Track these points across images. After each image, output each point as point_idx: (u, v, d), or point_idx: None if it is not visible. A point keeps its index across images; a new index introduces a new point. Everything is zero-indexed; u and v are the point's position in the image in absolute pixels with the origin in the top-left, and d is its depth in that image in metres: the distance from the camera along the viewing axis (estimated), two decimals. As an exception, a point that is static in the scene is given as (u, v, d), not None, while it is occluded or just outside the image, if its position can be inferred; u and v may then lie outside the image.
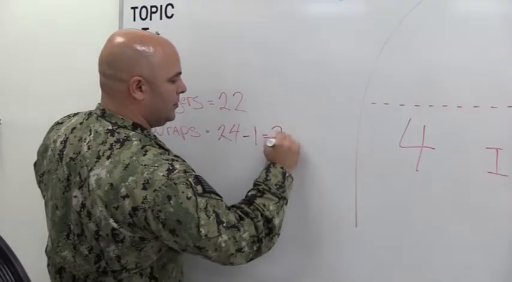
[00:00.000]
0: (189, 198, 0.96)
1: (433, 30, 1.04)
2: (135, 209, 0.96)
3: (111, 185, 0.98)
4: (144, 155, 1.00)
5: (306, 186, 1.25)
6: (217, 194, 1.05)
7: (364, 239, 1.17)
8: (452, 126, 1.04)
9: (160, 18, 1.42)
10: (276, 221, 1.10)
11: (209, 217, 0.98)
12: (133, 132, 1.05)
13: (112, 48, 1.06)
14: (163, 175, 0.96)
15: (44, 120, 1.31)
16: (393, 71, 1.10)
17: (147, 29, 1.43)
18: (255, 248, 1.06)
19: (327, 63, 1.18)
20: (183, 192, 0.96)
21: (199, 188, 0.99)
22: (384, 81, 1.11)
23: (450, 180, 1.05)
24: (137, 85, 1.04)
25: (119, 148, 1.01)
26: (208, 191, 1.01)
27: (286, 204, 1.17)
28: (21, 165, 1.56)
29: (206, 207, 0.98)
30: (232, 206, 1.12)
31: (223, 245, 1.00)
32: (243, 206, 1.11)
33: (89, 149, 1.04)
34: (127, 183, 0.96)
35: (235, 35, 1.31)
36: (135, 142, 1.03)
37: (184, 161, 1.06)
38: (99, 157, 1.02)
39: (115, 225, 0.99)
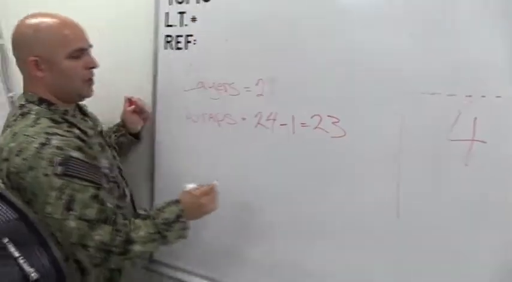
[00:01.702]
0: (45, 175, 1.00)
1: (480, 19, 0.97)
2: (9, 172, 1.04)
3: (1, 149, 1.07)
4: (33, 127, 1.07)
5: (349, 177, 1.20)
6: (92, 182, 1.06)
7: (405, 230, 1.12)
8: (506, 119, 0.97)
9: (197, 2, 1.39)
10: (136, 248, 1.07)
11: (58, 199, 1.01)
12: (37, 107, 1.13)
13: (14, 32, 1.13)
14: (35, 147, 1.02)
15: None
16: (439, 61, 1.03)
17: (184, 12, 1.41)
18: (101, 255, 1.04)
19: (370, 50, 1.12)
20: (43, 168, 1.00)
21: (59, 169, 1.01)
22: (430, 70, 1.05)
23: (502, 177, 0.98)
24: (35, 64, 1.11)
25: (20, 120, 1.10)
26: (71, 175, 1.02)
27: (163, 242, 1.14)
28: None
29: (62, 188, 1.01)
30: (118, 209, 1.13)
31: (67, 229, 1.01)
32: (120, 215, 1.10)
33: (7, 121, 1.15)
34: (7, 148, 1.05)
35: (273, 20, 1.26)
36: (32, 115, 1.10)
37: (81, 138, 1.11)
38: (6, 128, 1.12)
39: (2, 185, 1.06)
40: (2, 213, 0.77)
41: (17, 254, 0.70)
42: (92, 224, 1.03)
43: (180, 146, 1.50)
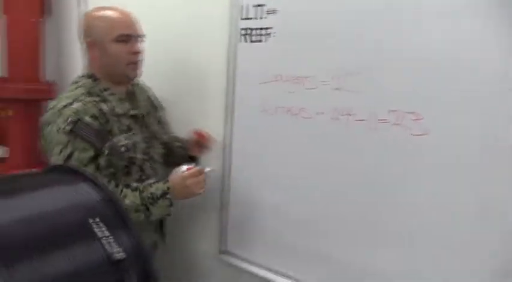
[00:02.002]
0: (57, 130, 1.22)
1: None
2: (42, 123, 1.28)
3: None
4: (70, 92, 1.31)
5: (430, 178, 1.13)
6: (93, 146, 1.23)
7: (492, 233, 1.04)
8: None
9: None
10: None
11: (60, 153, 1.21)
12: (85, 80, 1.36)
13: (80, 21, 1.40)
14: (60, 106, 1.25)
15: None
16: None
17: (262, 5, 1.41)
18: None
19: (456, 44, 1.05)
20: (57, 124, 1.22)
21: (68, 127, 1.21)
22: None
23: None
24: (90, 46, 1.36)
25: (69, 87, 1.36)
26: (76, 134, 1.22)
27: (146, 215, 1.28)
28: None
29: (65, 144, 1.21)
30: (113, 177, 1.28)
31: None
32: (113, 182, 1.26)
33: None
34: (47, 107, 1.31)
35: (353, 14, 1.22)
36: (75, 85, 1.35)
37: (103, 112, 1.29)
38: None
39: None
40: (89, 194, 0.81)
41: (101, 234, 0.74)
42: None
43: (255, 137, 1.51)
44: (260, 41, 1.45)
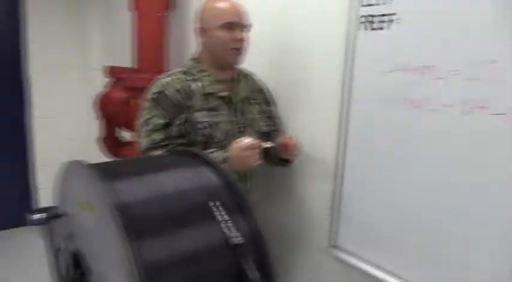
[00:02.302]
0: (146, 98, 1.46)
1: None
2: None
3: None
4: (175, 69, 1.53)
5: None
6: (167, 114, 1.41)
7: None
8: None
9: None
10: None
11: (142, 116, 1.45)
12: (189, 61, 1.57)
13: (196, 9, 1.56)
14: (158, 79, 1.49)
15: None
16: None
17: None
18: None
19: None
20: (148, 93, 1.47)
21: (151, 96, 1.44)
22: None
23: None
24: (200, 31, 1.51)
25: None
26: (156, 102, 1.43)
27: None
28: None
29: (147, 110, 1.44)
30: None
31: (138, 141, 1.47)
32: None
33: None
34: None
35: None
36: (181, 66, 1.56)
37: (190, 89, 1.46)
38: None
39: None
40: (210, 178, 0.84)
41: (221, 218, 0.76)
42: (152, 145, 1.39)
43: (373, 129, 1.44)
44: (381, 28, 1.37)
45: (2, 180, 3.25)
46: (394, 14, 1.32)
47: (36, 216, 0.87)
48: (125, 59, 2.53)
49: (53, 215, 0.89)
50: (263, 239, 0.77)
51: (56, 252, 0.89)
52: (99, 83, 2.70)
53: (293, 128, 1.75)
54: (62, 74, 3.31)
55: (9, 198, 3.24)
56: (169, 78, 1.46)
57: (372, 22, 1.39)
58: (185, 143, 1.44)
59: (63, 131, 3.35)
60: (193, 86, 1.47)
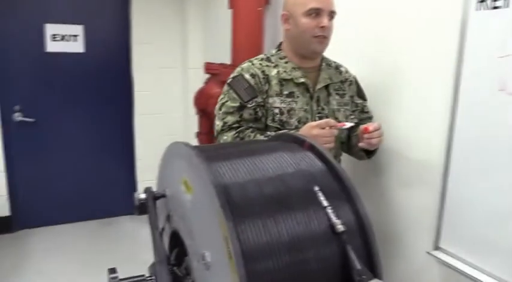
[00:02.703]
0: (227, 80, 1.49)
1: None
2: None
3: None
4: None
5: None
6: (241, 98, 1.42)
7: None
8: None
9: None
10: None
11: (220, 99, 1.47)
12: (273, 49, 1.57)
13: None
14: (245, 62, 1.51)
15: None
16: None
17: None
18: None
19: None
20: (228, 78, 1.49)
21: (229, 80, 1.47)
22: None
23: None
24: (285, 18, 1.48)
25: None
26: (231, 86, 1.45)
27: None
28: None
29: (224, 92, 1.47)
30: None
31: (215, 122, 1.48)
32: (251, 129, 1.43)
33: None
34: None
35: None
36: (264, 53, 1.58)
37: (266, 74, 1.46)
38: None
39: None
40: (313, 163, 0.80)
41: (325, 203, 0.71)
42: (226, 127, 1.41)
43: (489, 121, 1.29)
44: (502, 6, 1.22)
45: (112, 173, 3.56)
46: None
47: (141, 195, 0.90)
48: (224, 56, 2.59)
49: (155, 194, 0.91)
50: (370, 228, 0.71)
51: (160, 232, 0.92)
52: (199, 80, 2.80)
53: (392, 128, 1.65)
54: (163, 72, 3.49)
55: (118, 190, 3.54)
56: (248, 64, 1.48)
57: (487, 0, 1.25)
58: (259, 128, 1.45)
59: (163, 127, 3.54)
60: (271, 71, 1.47)
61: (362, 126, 1.44)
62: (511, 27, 1.20)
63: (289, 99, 1.46)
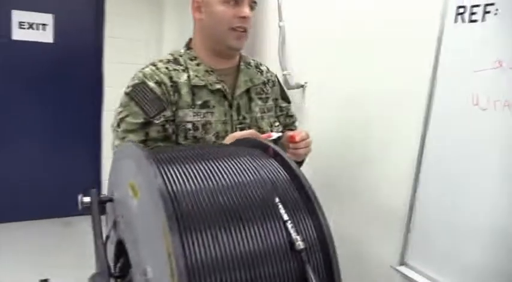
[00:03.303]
0: (124, 91, 1.23)
1: None
2: None
3: None
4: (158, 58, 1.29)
5: None
6: (145, 112, 1.17)
7: None
8: None
9: None
10: None
11: (118, 113, 1.21)
12: (184, 48, 1.32)
13: None
14: (138, 70, 1.25)
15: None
16: None
17: None
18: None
19: None
20: (127, 86, 1.23)
21: (128, 90, 1.21)
22: None
23: None
24: (196, 6, 1.25)
25: None
26: (132, 97, 1.19)
27: None
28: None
29: (123, 106, 1.20)
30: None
31: (112, 142, 1.24)
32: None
33: None
34: None
35: None
36: (171, 53, 1.32)
37: (173, 81, 1.22)
38: None
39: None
40: (276, 171, 0.73)
41: (286, 217, 0.65)
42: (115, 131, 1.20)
43: (460, 136, 1.26)
44: (479, 20, 1.20)
45: (76, 171, 3.40)
46: (491, 5, 1.16)
47: (85, 198, 0.82)
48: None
49: (101, 198, 0.83)
50: (333, 246, 0.65)
51: (105, 240, 0.84)
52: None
53: (364, 134, 1.62)
54: (136, 68, 3.38)
55: (80, 189, 3.39)
56: (151, 68, 1.22)
57: (469, 13, 1.23)
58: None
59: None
60: (180, 77, 1.23)
61: (288, 134, 1.31)
62: (487, 41, 1.18)
63: (204, 111, 1.23)
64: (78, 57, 3.30)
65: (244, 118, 1.31)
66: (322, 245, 0.65)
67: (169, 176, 0.66)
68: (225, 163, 0.72)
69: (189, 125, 1.21)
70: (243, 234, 0.62)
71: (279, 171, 0.72)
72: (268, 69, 1.47)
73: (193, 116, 1.21)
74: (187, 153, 0.73)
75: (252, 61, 1.43)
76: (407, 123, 1.46)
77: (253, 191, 0.68)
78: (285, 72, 2.09)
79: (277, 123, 1.41)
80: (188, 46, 1.32)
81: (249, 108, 1.33)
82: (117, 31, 3.26)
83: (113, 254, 0.86)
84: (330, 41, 1.85)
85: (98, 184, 3.42)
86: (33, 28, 3.13)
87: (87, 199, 0.82)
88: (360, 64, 1.67)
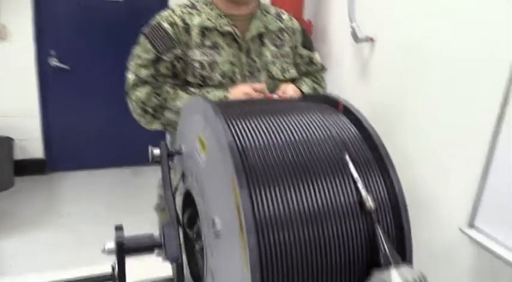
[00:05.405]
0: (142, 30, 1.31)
1: None
2: None
3: None
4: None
5: None
6: (156, 49, 1.25)
7: None
8: None
9: None
10: (168, 115, 1.26)
11: (132, 52, 1.30)
12: None
13: None
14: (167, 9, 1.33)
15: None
16: None
17: None
18: (140, 111, 1.29)
19: None
20: (145, 27, 1.30)
21: (144, 29, 1.30)
22: None
23: None
24: None
25: None
26: (146, 36, 1.28)
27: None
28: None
29: (138, 44, 1.30)
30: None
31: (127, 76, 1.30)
32: (170, 85, 1.28)
33: None
34: None
35: None
36: None
37: (186, 23, 1.28)
38: None
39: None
40: (346, 128, 0.70)
41: (356, 175, 0.62)
42: (139, 81, 1.25)
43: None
44: None
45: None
46: None
47: (156, 150, 0.84)
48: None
49: (170, 151, 0.85)
50: (404, 207, 0.62)
51: (173, 192, 0.86)
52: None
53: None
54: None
55: (151, 139, 3.55)
56: (168, 11, 1.31)
57: None
58: (178, 84, 1.30)
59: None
60: (193, 19, 1.29)
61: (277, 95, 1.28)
62: None
63: (211, 51, 1.29)
64: (147, 15, 3.33)
65: (254, 61, 1.34)
66: (394, 206, 0.63)
67: (237, 130, 0.65)
68: (294, 119, 0.69)
69: (197, 64, 1.28)
70: (311, 191, 0.61)
71: (349, 129, 0.69)
72: (290, 17, 1.47)
73: (201, 55, 1.28)
74: (256, 108, 0.71)
75: (273, 9, 1.44)
76: (484, 89, 1.35)
77: (322, 147, 0.66)
78: (353, 24, 1.99)
79: (291, 70, 1.41)
80: None
81: (260, 52, 1.35)
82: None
83: (181, 205, 0.88)
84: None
85: (163, 135, 3.55)
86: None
87: (157, 151, 0.84)
88: (436, 23, 1.55)
